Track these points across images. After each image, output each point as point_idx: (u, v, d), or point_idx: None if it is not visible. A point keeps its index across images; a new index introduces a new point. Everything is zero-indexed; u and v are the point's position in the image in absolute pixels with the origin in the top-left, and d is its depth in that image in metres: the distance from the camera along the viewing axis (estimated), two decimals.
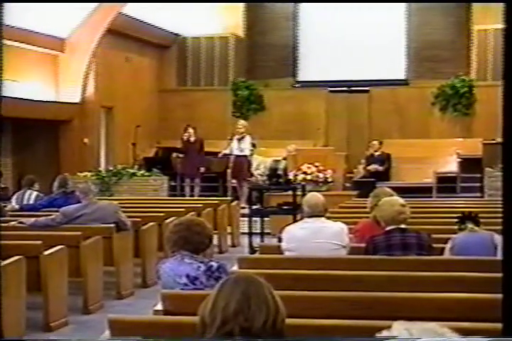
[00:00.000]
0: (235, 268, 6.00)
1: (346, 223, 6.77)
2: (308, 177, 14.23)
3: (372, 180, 15.12)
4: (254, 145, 15.73)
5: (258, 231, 11.87)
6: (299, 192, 11.66)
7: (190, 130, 16.00)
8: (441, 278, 5.23)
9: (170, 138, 17.95)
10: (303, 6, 19.67)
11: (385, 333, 2.35)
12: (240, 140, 15.38)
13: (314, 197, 6.56)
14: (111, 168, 15.55)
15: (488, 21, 17.21)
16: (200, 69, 19.77)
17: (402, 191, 8.72)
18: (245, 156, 15.41)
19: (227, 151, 15.57)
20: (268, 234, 12.05)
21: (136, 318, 4.53)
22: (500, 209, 2.92)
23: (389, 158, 16.55)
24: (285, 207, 11.40)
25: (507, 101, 2.90)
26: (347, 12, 19.25)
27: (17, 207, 10.63)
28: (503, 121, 2.91)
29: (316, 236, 6.33)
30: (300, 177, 14.15)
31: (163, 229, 9.41)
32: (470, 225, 6.20)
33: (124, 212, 9.17)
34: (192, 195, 15.84)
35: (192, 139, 15.95)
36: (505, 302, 2.84)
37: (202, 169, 16.00)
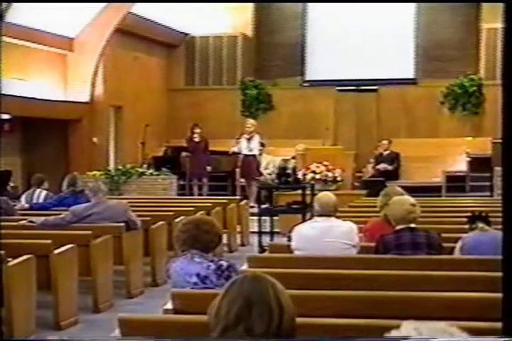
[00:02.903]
0: (245, 267, 6.00)
1: (356, 222, 6.76)
2: (318, 176, 14.23)
3: (382, 179, 15.09)
4: (263, 145, 15.75)
5: (267, 230, 11.87)
6: (308, 192, 11.66)
7: (197, 129, 16.06)
8: (451, 278, 5.22)
9: (179, 138, 17.94)
10: (311, 5, 19.65)
11: (393, 333, 2.35)
12: (249, 139, 15.40)
13: (326, 197, 6.56)
14: (120, 167, 15.55)
15: (497, 20, 17.14)
16: (208, 69, 19.78)
17: (411, 190, 8.70)
18: (254, 156, 15.43)
19: (235, 149, 15.58)
20: (277, 233, 12.04)
21: (146, 317, 4.54)
22: None
23: (398, 157, 16.52)
24: (294, 206, 11.41)
25: (506, 101, 2.90)
26: (355, 11, 19.20)
27: (27, 206, 10.65)
28: (502, 121, 2.90)
29: (326, 235, 6.33)
30: (309, 176, 14.15)
31: (173, 228, 9.40)
32: (481, 225, 6.18)
33: (134, 211, 9.18)
34: (200, 195, 15.85)
35: (197, 139, 16.00)
36: (505, 302, 2.83)
37: (208, 168, 16.05)
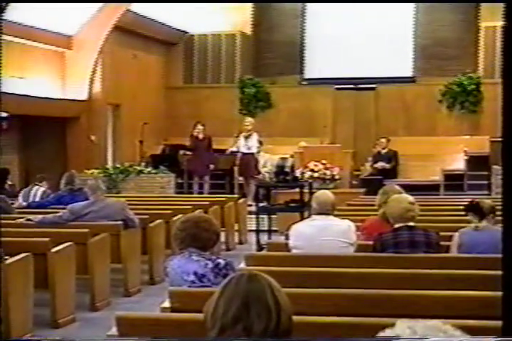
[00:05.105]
0: (243, 265, 6.00)
1: (353, 220, 6.76)
2: (316, 174, 14.22)
3: (380, 177, 15.10)
4: (261, 143, 15.73)
5: (265, 228, 11.87)
6: (306, 190, 11.66)
7: (200, 127, 15.91)
8: (448, 276, 5.21)
9: (177, 136, 17.94)
10: (310, 3, 19.64)
11: (388, 331, 2.33)
12: (247, 137, 15.38)
13: (324, 195, 6.55)
14: (118, 165, 15.55)
15: (496, 18, 17.13)
16: (206, 67, 19.77)
17: (409, 189, 8.68)
18: (252, 154, 15.41)
19: (234, 149, 15.57)
20: (275, 231, 12.05)
21: (144, 315, 4.53)
22: None
23: (396, 156, 16.52)
24: (292, 205, 11.41)
25: (507, 99, 2.89)
26: (354, 10, 19.19)
27: (24, 204, 10.64)
28: (502, 119, 2.90)
29: (324, 233, 6.32)
30: (307, 174, 14.15)
31: (171, 227, 9.39)
32: (475, 224, 6.22)
33: (132, 209, 9.17)
34: (201, 193, 15.75)
35: (201, 136, 15.88)
36: (505, 301, 2.83)
37: (211, 166, 15.95)
